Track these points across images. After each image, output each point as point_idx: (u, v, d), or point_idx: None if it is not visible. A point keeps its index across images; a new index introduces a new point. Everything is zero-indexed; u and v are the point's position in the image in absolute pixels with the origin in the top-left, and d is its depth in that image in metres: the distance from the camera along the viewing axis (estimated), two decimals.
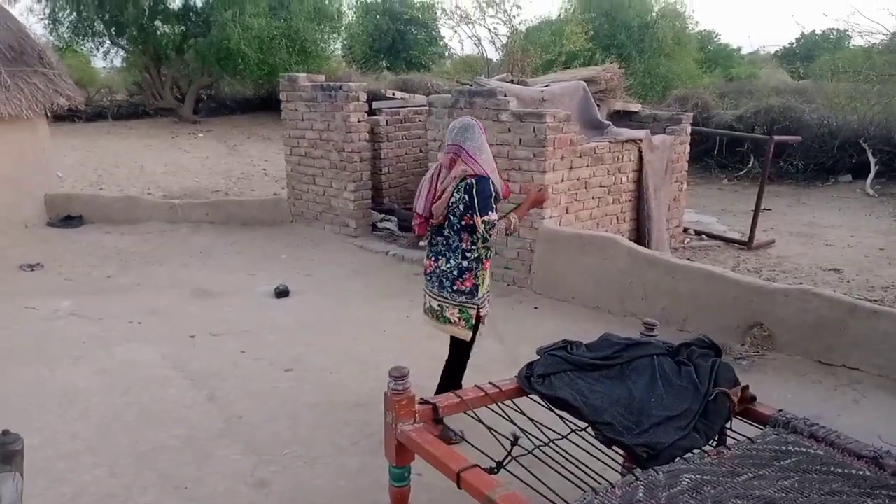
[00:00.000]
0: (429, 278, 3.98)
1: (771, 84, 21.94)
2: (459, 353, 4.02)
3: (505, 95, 6.70)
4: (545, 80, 8.30)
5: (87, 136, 17.56)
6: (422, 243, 7.85)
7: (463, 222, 3.78)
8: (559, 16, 22.24)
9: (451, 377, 4.03)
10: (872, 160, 13.00)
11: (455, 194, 3.76)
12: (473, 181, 3.72)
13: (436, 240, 3.95)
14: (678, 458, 2.53)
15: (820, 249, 8.76)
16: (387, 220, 8.64)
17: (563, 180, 6.68)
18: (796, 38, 33.39)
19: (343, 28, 21.06)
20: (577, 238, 6.33)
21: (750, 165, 13.99)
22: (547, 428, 2.84)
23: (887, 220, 10.64)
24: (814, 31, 33.36)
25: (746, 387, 2.93)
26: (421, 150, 9.41)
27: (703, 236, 8.96)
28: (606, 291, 6.19)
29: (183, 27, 20.34)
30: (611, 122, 7.52)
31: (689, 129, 8.35)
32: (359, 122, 8.09)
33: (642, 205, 7.66)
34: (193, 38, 19.53)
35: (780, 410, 2.87)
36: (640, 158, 7.55)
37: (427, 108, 7.38)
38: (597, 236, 6.27)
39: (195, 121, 20.31)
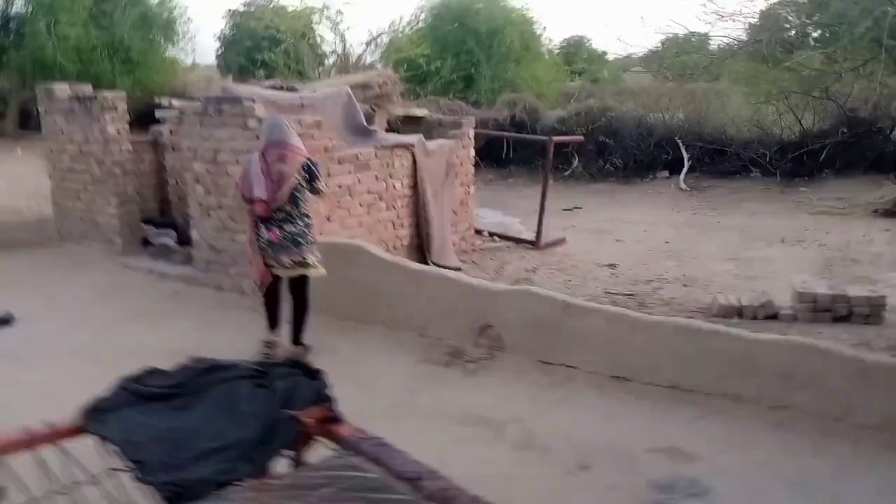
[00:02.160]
0: (279, 246, 4.96)
1: (630, 86, 22.68)
2: (307, 291, 5.21)
3: (253, 101, 6.39)
4: (314, 87, 8.05)
5: None
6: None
7: (304, 195, 5.00)
8: (406, 25, 22.18)
9: (306, 315, 5.25)
10: (686, 156, 13.55)
11: (300, 178, 4.92)
12: (309, 163, 4.99)
13: (275, 215, 4.92)
14: (213, 494, 2.29)
15: (608, 246, 8.94)
16: (164, 235, 8.13)
17: None
18: (661, 42, 34.55)
19: (178, 37, 20.07)
20: (325, 247, 6.07)
21: (574, 165, 14.29)
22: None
23: (687, 213, 11.06)
24: (676, 34, 34.63)
25: (328, 406, 2.72)
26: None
27: (495, 238, 8.95)
28: (355, 300, 5.97)
29: None
30: (377, 129, 7.36)
31: (471, 132, 8.31)
32: (118, 132, 7.57)
33: (420, 210, 7.53)
34: (12, 49, 18.21)
35: (359, 430, 2.68)
36: (415, 164, 7.42)
37: (178, 117, 6.97)
38: (342, 244, 6.05)
39: (19, 136, 18.94)
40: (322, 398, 2.78)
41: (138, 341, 5.57)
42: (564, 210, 11.51)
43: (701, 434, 4.15)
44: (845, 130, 12.49)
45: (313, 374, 2.88)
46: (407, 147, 7.31)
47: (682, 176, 13.27)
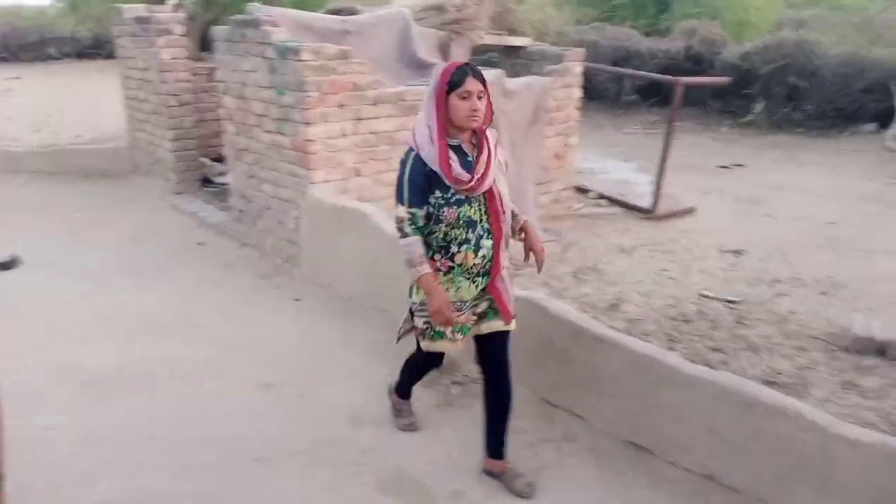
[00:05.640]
0: None
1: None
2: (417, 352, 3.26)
3: (275, 25, 5.33)
4: (374, 9, 6.75)
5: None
6: None
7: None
8: None
9: (407, 370, 3.42)
10: None
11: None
12: (404, 154, 2.80)
13: None
14: None
15: (751, 222, 6.96)
16: (227, 175, 7.44)
17: (344, 135, 5.29)
18: None
19: None
20: (335, 211, 4.99)
21: (756, 111, 11.81)
22: None
23: (882, 182, 8.54)
24: None
25: None
26: None
27: (602, 202, 7.31)
28: (360, 280, 4.87)
29: None
30: (438, 62, 5.97)
31: (577, 69, 6.66)
32: (174, 59, 6.89)
33: None
34: None
35: None
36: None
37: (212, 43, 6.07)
38: (350, 209, 4.88)
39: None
40: None
41: (116, 302, 4.92)
42: (720, 167, 9.42)
43: None
44: None
45: None
46: None
47: (891, 132, 10.42)
